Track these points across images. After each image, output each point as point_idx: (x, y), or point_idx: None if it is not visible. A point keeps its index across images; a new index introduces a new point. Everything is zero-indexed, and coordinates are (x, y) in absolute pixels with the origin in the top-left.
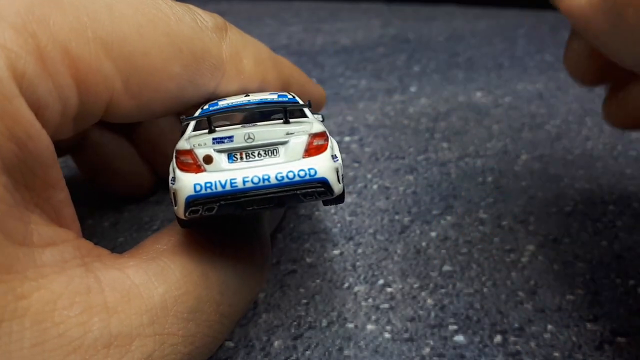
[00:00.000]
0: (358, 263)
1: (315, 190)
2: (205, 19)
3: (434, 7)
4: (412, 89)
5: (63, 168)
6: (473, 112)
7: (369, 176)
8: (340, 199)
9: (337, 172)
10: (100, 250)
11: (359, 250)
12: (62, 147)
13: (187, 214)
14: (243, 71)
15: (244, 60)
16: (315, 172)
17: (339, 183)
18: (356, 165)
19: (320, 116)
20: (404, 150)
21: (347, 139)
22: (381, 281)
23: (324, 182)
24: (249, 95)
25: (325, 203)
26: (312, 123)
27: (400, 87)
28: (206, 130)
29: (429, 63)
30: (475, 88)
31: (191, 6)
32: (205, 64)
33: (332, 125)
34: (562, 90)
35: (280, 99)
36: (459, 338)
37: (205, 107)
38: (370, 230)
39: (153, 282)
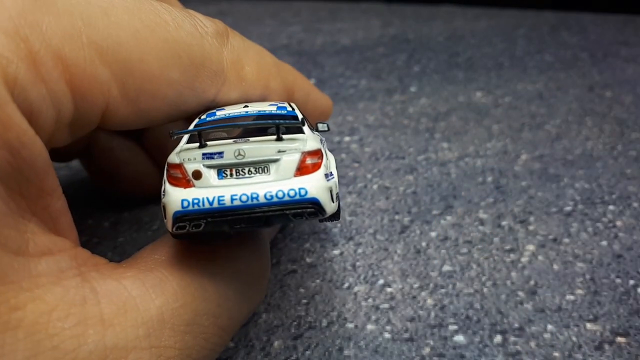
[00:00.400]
0: (358, 263)
1: (305, 210)
2: (206, 24)
3: (434, 7)
4: (412, 89)
5: (64, 169)
6: (473, 112)
7: (369, 176)
8: (335, 217)
9: (331, 191)
10: (97, 260)
11: (359, 250)
12: (70, 151)
13: (174, 229)
14: (245, 78)
15: (245, 67)
16: (306, 192)
17: (332, 202)
18: (356, 165)
19: (325, 125)
20: (404, 150)
21: (347, 139)
22: (381, 281)
23: (314, 203)
24: (247, 106)
25: (320, 221)
26: (307, 140)
27: (400, 87)
28: (198, 145)
29: (429, 63)
30: (475, 88)
31: (192, 12)
32: (205, 71)
33: (332, 125)
34: (562, 90)
35: (279, 112)
36: (459, 338)
37: (203, 116)
38: (370, 230)
39: (150, 294)
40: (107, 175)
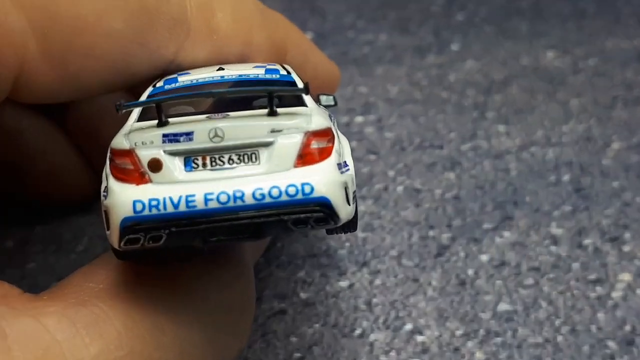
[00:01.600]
0: (375, 300)
1: (310, 215)
2: None
3: None
4: (454, 47)
5: None
6: (542, 81)
7: (391, 173)
8: (350, 226)
9: (346, 188)
10: (7, 289)
11: (377, 282)
12: None
13: (122, 244)
14: (217, 30)
15: (218, 14)
16: (312, 190)
17: (348, 205)
18: (372, 157)
19: (331, 97)
20: (442, 137)
21: (359, 119)
22: (409, 326)
23: (324, 204)
24: (223, 69)
25: (329, 232)
26: (311, 115)
27: (437, 45)
28: (155, 122)
29: (477, 9)
30: (545, 46)
31: None
32: (161, 18)
33: (338, 99)
34: None
35: (269, 76)
36: None
37: (159, 84)
38: (393, 252)
39: (83, 338)
40: (12, 171)
